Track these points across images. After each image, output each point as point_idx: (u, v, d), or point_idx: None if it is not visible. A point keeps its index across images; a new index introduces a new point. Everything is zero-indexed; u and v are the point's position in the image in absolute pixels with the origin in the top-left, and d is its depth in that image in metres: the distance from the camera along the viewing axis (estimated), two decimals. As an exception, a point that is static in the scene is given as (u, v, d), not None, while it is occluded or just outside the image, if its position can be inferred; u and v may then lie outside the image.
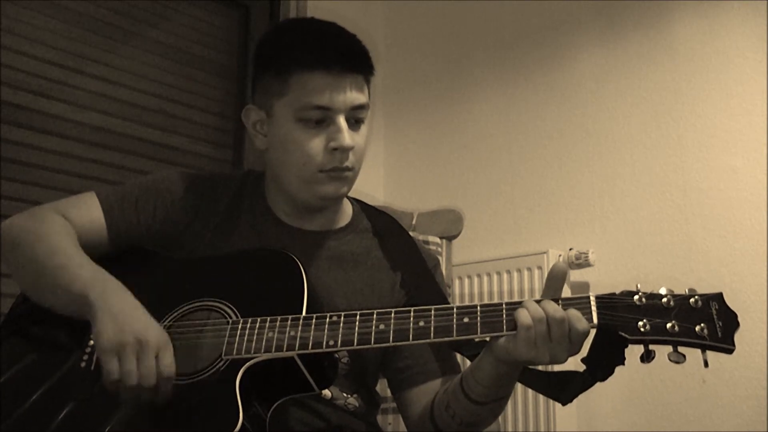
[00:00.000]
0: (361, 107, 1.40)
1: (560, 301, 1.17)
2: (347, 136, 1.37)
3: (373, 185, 3.19)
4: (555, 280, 1.20)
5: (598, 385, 1.22)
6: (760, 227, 2.35)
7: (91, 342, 1.30)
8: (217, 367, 1.23)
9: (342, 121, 1.37)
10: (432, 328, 1.19)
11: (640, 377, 2.48)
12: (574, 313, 1.15)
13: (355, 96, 1.38)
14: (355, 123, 1.40)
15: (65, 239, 1.36)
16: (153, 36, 2.84)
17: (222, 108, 2.98)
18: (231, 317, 1.28)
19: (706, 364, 1.12)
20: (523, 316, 1.15)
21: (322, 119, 1.37)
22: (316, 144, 1.38)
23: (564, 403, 1.28)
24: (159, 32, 2.86)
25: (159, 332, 1.22)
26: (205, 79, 2.96)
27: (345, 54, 1.39)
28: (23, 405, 1.27)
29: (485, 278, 2.74)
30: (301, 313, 1.25)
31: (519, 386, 1.33)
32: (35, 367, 1.33)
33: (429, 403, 1.40)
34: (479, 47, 3.09)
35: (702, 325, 1.12)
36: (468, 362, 1.35)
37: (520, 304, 1.18)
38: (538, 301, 1.17)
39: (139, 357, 1.19)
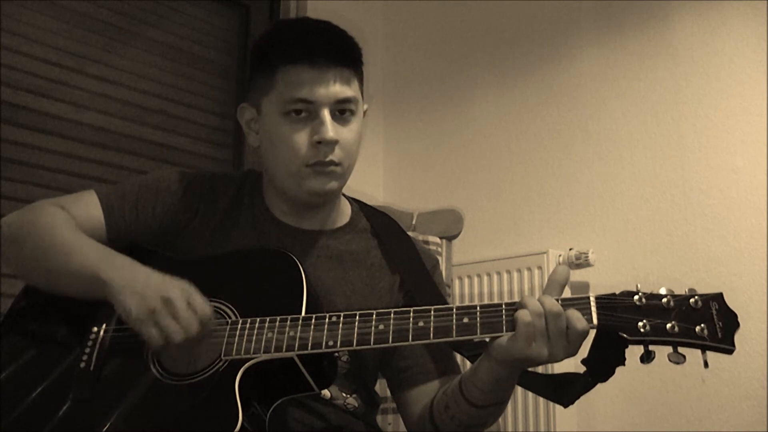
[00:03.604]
0: (347, 101, 1.39)
1: (560, 302, 1.16)
2: (330, 129, 1.36)
3: (373, 185, 3.19)
4: (556, 282, 1.20)
5: (598, 385, 1.22)
6: (760, 227, 2.35)
7: (90, 342, 1.30)
8: (217, 367, 1.23)
9: (326, 114, 1.37)
10: (431, 329, 1.19)
11: (640, 377, 2.48)
12: (573, 313, 1.14)
13: (339, 89, 1.37)
14: (342, 117, 1.39)
15: (66, 227, 1.37)
16: (153, 36, 2.84)
17: (222, 108, 2.98)
18: (230, 317, 1.28)
19: (706, 365, 1.12)
20: (523, 313, 1.15)
21: (307, 113, 1.37)
22: (301, 137, 1.37)
23: (566, 406, 1.28)
24: (159, 32, 2.86)
25: (178, 283, 1.25)
26: (205, 79, 2.96)
27: (329, 48, 1.38)
28: (22, 403, 1.27)
29: (485, 278, 2.74)
30: (301, 313, 1.25)
31: (519, 386, 1.32)
32: (34, 365, 1.33)
33: (428, 403, 1.40)
34: (479, 47, 3.09)
35: (702, 325, 1.11)
36: (468, 363, 1.35)
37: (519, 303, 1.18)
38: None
39: (173, 314, 1.21)
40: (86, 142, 2.62)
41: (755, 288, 2.32)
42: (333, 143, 1.37)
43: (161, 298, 1.21)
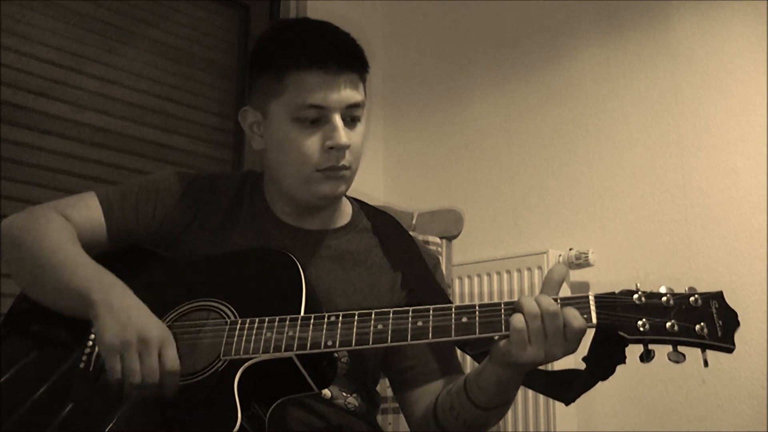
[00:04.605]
0: (357, 105, 1.39)
1: (559, 300, 1.16)
2: (343, 135, 1.36)
3: (373, 185, 3.19)
4: (554, 281, 1.20)
5: (598, 384, 1.22)
6: (760, 227, 2.35)
7: (90, 342, 1.30)
8: (216, 367, 1.23)
9: (338, 119, 1.37)
10: (430, 328, 1.19)
11: (640, 377, 2.48)
12: (570, 312, 1.14)
13: (350, 94, 1.37)
14: (351, 121, 1.40)
15: (65, 237, 1.36)
16: (153, 36, 2.84)
17: (222, 108, 2.98)
18: (229, 317, 1.28)
19: (706, 364, 1.11)
20: (516, 319, 1.15)
21: (318, 118, 1.37)
22: (313, 143, 1.37)
23: (567, 403, 1.28)
24: (159, 32, 2.86)
25: (161, 328, 1.22)
26: (205, 79, 2.96)
27: (340, 52, 1.38)
28: (23, 405, 1.27)
29: (485, 278, 2.74)
30: (300, 313, 1.24)
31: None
32: (35, 366, 1.33)
33: (432, 403, 1.40)
34: (479, 47, 3.09)
35: (702, 324, 1.11)
36: (468, 361, 1.34)
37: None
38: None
39: (141, 354, 1.19)
40: (86, 142, 2.62)
41: (755, 288, 2.32)
42: (345, 148, 1.38)
43: (138, 335, 1.19)
